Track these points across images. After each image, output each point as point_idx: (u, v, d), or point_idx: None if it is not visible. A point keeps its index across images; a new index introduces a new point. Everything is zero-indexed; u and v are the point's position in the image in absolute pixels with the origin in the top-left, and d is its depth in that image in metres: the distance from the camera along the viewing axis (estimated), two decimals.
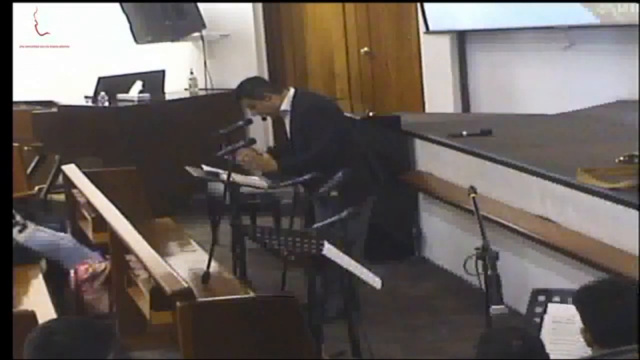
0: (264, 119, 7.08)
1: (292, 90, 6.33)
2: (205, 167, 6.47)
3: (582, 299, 3.15)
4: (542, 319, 3.61)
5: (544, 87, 8.26)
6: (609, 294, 3.10)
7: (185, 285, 4.41)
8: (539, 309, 3.65)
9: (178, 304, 4.22)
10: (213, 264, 5.68)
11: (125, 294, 5.40)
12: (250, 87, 6.42)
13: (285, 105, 6.25)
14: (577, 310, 3.15)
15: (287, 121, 6.30)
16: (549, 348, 3.18)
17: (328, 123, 6.18)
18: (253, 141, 6.35)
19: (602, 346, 3.05)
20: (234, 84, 9.49)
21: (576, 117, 7.43)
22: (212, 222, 7.53)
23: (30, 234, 6.33)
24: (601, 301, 3.09)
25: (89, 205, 6.20)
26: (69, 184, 6.87)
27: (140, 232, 5.22)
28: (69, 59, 9.70)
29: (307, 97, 6.43)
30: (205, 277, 5.55)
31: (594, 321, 3.07)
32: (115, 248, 5.52)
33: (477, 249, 4.00)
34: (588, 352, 3.12)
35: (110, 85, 9.09)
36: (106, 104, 9.01)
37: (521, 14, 8.03)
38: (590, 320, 3.08)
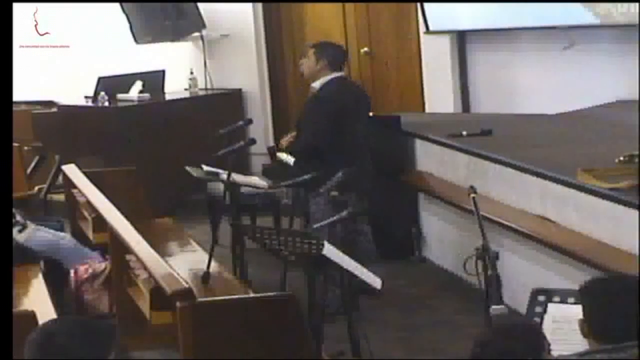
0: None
1: (334, 75, 6.40)
2: (205, 167, 6.47)
3: (589, 291, 3.13)
4: (542, 319, 3.62)
5: (544, 87, 8.25)
6: (617, 291, 3.08)
7: (185, 285, 4.40)
8: (539, 309, 3.65)
9: (178, 304, 4.21)
10: (213, 264, 5.68)
11: (125, 294, 5.40)
12: (324, 48, 6.54)
13: (318, 83, 6.37)
14: (581, 300, 3.13)
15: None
16: None
17: (323, 114, 6.22)
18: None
19: (600, 340, 3.04)
20: (234, 84, 9.60)
21: (576, 117, 7.43)
22: (212, 222, 7.54)
23: (30, 234, 6.33)
24: (608, 296, 3.07)
25: (89, 205, 6.19)
26: (69, 184, 6.87)
27: (140, 232, 5.21)
28: (69, 59, 9.70)
29: (332, 86, 6.43)
30: (205, 277, 5.55)
31: (596, 315, 3.06)
32: (115, 248, 5.51)
33: (477, 249, 4.00)
34: (586, 348, 3.12)
35: (110, 85, 9.09)
36: (106, 104, 9.00)
37: (521, 14, 8.02)
38: (593, 313, 3.07)
